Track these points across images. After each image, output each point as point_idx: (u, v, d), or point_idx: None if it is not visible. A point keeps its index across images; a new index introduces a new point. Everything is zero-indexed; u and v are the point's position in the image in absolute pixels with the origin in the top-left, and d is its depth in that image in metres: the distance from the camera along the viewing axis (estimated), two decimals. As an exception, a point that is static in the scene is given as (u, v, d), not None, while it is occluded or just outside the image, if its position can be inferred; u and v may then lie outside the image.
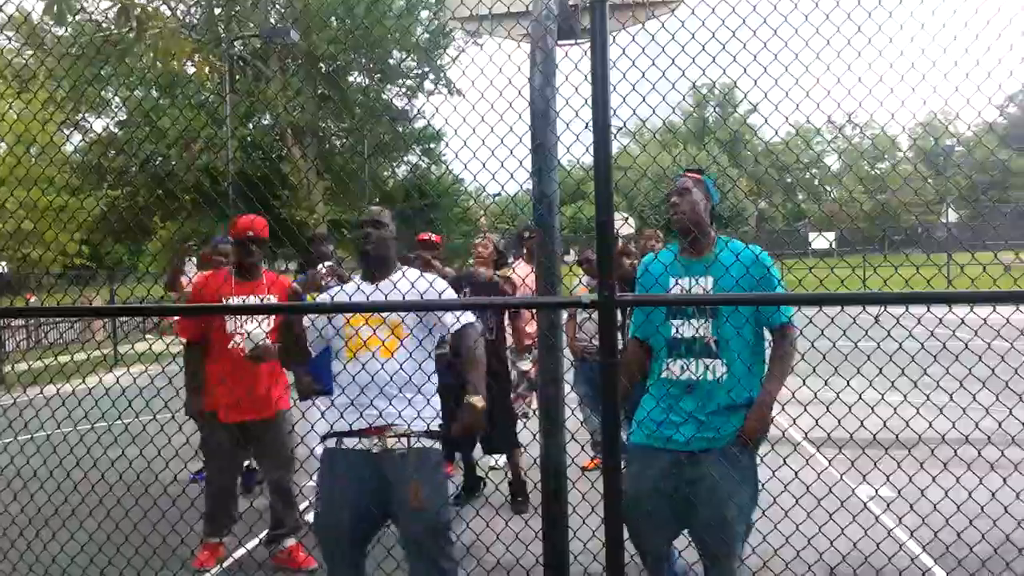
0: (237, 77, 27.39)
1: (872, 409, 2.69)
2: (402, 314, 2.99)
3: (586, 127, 2.43)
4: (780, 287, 2.81)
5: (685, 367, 2.82)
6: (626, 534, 2.49)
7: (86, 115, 22.65)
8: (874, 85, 2.53)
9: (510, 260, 6.16)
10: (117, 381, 3.32)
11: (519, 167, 2.86)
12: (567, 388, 3.00)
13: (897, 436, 2.84)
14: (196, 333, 4.29)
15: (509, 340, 5.55)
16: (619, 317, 2.48)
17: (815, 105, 2.61)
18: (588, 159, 2.48)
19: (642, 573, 2.99)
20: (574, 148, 2.73)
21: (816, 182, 50.47)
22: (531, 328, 5.49)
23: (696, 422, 2.76)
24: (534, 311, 5.39)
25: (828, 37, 2.47)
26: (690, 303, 2.80)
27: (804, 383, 2.69)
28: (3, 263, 18.12)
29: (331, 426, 3.02)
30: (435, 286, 3.06)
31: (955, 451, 2.93)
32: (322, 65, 28.24)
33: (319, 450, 3.41)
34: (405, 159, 31.75)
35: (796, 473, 2.85)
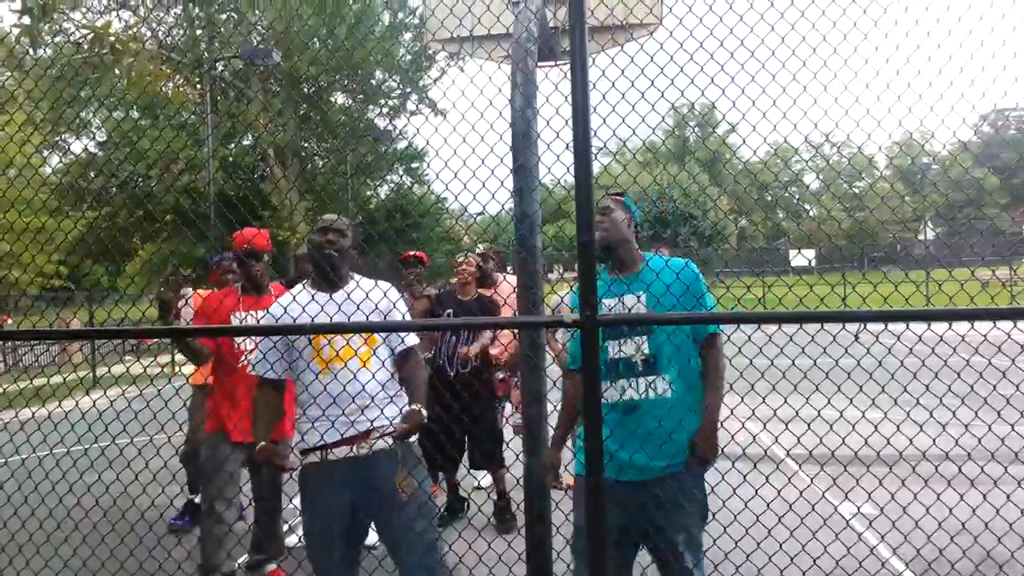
0: (218, 98, 27.36)
1: (853, 427, 2.71)
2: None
3: (567, 147, 2.44)
4: (708, 296, 2.81)
5: (625, 387, 2.78)
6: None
7: (65, 136, 22.49)
8: (850, 106, 2.58)
9: (500, 278, 6.17)
10: (94, 404, 3.27)
11: (500, 187, 2.87)
12: (550, 407, 2.99)
13: (878, 453, 2.85)
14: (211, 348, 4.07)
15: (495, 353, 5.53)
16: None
17: (793, 125, 2.65)
18: (569, 178, 2.49)
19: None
20: (555, 168, 2.75)
21: (795, 200, 51.02)
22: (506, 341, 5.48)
23: (642, 449, 2.71)
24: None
25: (805, 59, 2.52)
26: (671, 322, 2.79)
27: (786, 401, 2.70)
28: (-21, 285, 17.89)
29: (316, 441, 2.95)
30: (389, 295, 3.14)
31: (936, 468, 2.94)
32: (304, 86, 28.28)
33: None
34: (387, 179, 31.80)
35: (779, 491, 2.85)
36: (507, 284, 6.12)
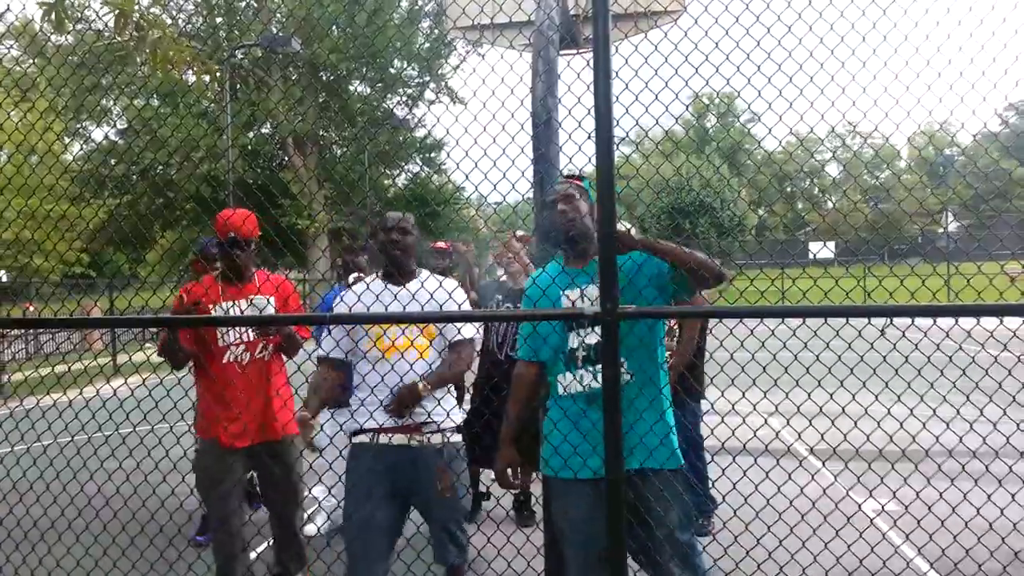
0: (238, 86, 27.47)
1: (878, 423, 2.66)
2: None
3: (588, 137, 2.40)
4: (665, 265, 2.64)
5: (584, 377, 2.67)
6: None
7: (86, 123, 22.69)
8: (879, 96, 2.52)
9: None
10: (114, 393, 3.28)
11: (521, 177, 2.83)
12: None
13: (903, 450, 2.80)
14: (191, 347, 3.71)
15: None
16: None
17: (819, 115, 2.59)
18: (590, 168, 2.45)
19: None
20: (576, 158, 2.71)
21: (816, 191, 50.53)
22: None
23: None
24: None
25: (832, 48, 2.46)
26: (695, 315, 2.75)
27: (809, 396, 2.65)
28: (3, 272, 18.12)
29: (366, 423, 3.16)
30: (455, 296, 3.31)
31: (963, 465, 2.89)
32: (323, 74, 28.32)
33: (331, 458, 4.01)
34: (406, 168, 31.84)
35: (802, 488, 2.81)
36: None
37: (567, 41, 3.52)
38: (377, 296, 3.18)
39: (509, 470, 2.87)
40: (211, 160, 22.74)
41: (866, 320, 2.44)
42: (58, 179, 3.83)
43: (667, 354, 4.93)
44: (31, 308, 17.21)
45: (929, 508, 2.75)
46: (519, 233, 5.76)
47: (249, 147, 28.13)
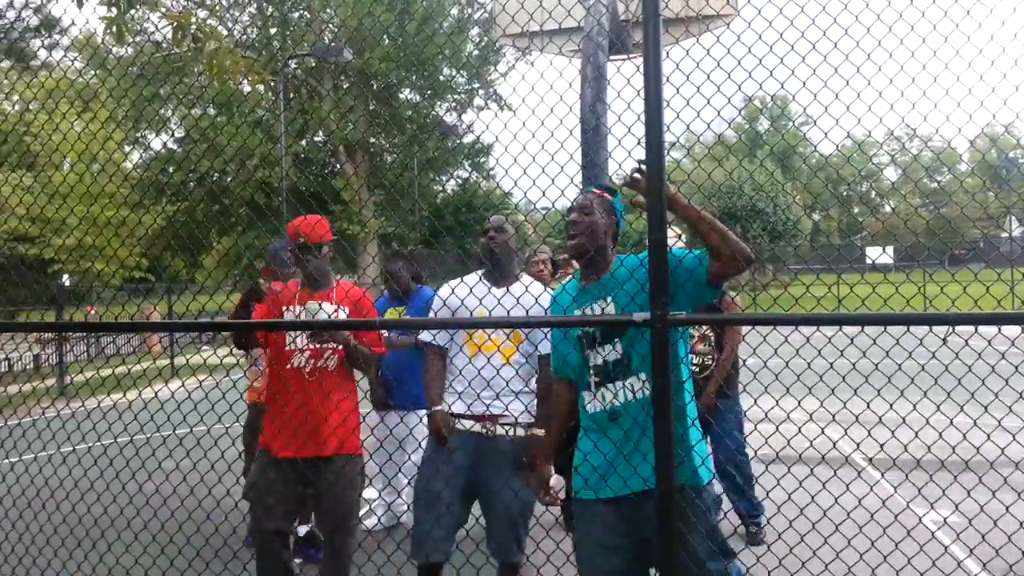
0: (291, 95, 28.01)
1: (940, 434, 2.58)
2: None
3: (638, 143, 2.37)
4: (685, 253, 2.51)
5: (605, 395, 2.58)
6: None
7: (145, 132, 23.36)
8: (939, 99, 2.44)
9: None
10: (172, 395, 3.37)
11: (570, 183, 2.81)
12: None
13: (967, 462, 2.71)
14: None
15: None
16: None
17: (877, 119, 2.52)
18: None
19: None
20: (625, 163, 2.68)
21: (873, 194, 49.39)
22: None
23: (630, 459, 2.50)
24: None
25: (891, 50, 2.39)
26: (746, 322, 2.69)
27: (868, 406, 2.59)
28: (66, 276, 18.76)
29: (449, 406, 3.43)
30: (543, 303, 3.39)
31: (1030, 479, 2.78)
32: (374, 82, 28.70)
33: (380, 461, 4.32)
34: (455, 174, 32.05)
35: (860, 500, 2.73)
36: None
37: (617, 46, 3.51)
38: (470, 289, 3.45)
39: (551, 484, 2.86)
40: (265, 167, 23.21)
41: (927, 328, 2.36)
42: (119, 187, 3.98)
43: (706, 359, 4.91)
44: (92, 311, 17.78)
45: (995, 522, 2.66)
46: (541, 256, 5.71)
47: (302, 155, 28.66)
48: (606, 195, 2.72)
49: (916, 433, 2.60)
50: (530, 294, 3.37)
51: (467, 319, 3.37)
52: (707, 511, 2.48)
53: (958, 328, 2.26)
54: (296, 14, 29.54)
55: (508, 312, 3.20)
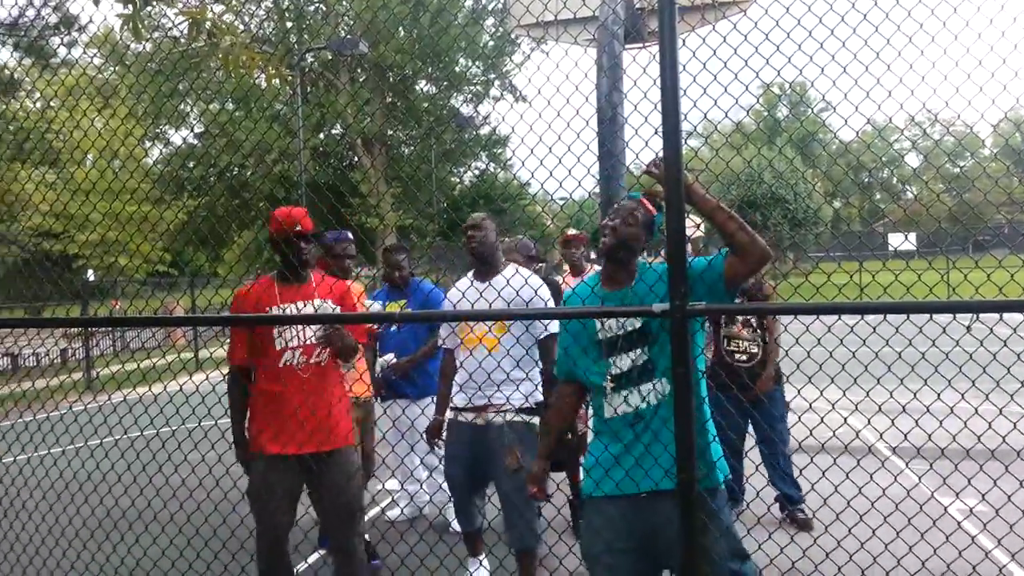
0: (309, 89, 28.10)
1: (965, 422, 2.55)
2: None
3: (655, 132, 2.36)
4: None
5: (625, 399, 2.54)
6: None
7: (165, 128, 23.54)
8: (961, 83, 2.40)
9: (587, 267, 6.08)
10: (197, 388, 3.40)
11: (587, 174, 2.80)
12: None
13: (992, 451, 2.68)
14: (244, 357, 3.46)
15: None
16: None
17: (898, 104, 2.49)
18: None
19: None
20: (643, 153, 2.66)
21: (894, 180, 48.82)
22: None
23: (642, 459, 2.48)
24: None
25: (911, 34, 2.35)
26: (768, 312, 2.67)
27: (891, 395, 2.56)
28: (90, 271, 18.99)
29: (452, 400, 3.78)
30: (540, 292, 3.61)
31: (1057, 467, 2.75)
32: (389, 75, 28.71)
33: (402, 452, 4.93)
34: (472, 165, 32.05)
35: (884, 490, 2.72)
36: (595, 272, 6.02)
37: (632, 35, 3.49)
38: (463, 293, 3.65)
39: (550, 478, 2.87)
40: (284, 161, 23.33)
41: (951, 316, 2.33)
42: (140, 182, 4.00)
43: (751, 345, 4.87)
44: (117, 305, 17.99)
45: (1023, 512, 2.63)
46: (571, 232, 5.71)
47: (320, 148, 28.76)
48: (652, 211, 2.63)
49: (940, 422, 2.58)
50: (511, 286, 3.48)
51: (470, 311, 3.54)
52: (721, 512, 2.46)
53: (982, 316, 2.23)
54: (312, 7, 29.59)
55: (490, 305, 3.47)
